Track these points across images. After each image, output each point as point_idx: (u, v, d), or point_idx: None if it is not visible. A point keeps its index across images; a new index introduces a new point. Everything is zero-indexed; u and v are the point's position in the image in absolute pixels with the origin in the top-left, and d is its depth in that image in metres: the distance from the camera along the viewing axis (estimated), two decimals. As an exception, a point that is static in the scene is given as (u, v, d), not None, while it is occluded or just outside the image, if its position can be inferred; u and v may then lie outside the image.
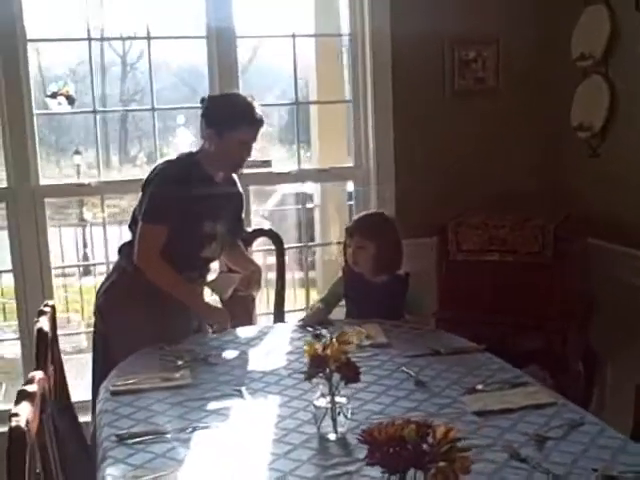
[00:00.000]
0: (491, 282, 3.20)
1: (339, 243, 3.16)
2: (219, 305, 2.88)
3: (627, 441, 1.78)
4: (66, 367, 2.56)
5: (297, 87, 3.60)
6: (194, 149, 2.82)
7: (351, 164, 3.70)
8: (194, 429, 1.93)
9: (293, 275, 5.76)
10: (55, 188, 3.42)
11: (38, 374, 1.59)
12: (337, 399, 1.87)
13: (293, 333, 2.76)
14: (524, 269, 3.14)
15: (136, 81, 13.94)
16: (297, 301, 4.97)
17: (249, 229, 3.21)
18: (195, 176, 2.71)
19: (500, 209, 3.39)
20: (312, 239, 4.74)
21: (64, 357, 2.60)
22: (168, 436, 1.89)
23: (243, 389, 2.19)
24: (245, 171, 3.49)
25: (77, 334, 6.02)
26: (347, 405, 1.89)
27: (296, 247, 4.33)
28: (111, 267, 2.96)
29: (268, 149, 11.26)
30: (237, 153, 2.73)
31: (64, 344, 3.25)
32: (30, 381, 1.54)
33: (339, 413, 1.87)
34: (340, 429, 1.87)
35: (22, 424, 1.40)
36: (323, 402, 1.87)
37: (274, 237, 3.24)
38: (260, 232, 3.28)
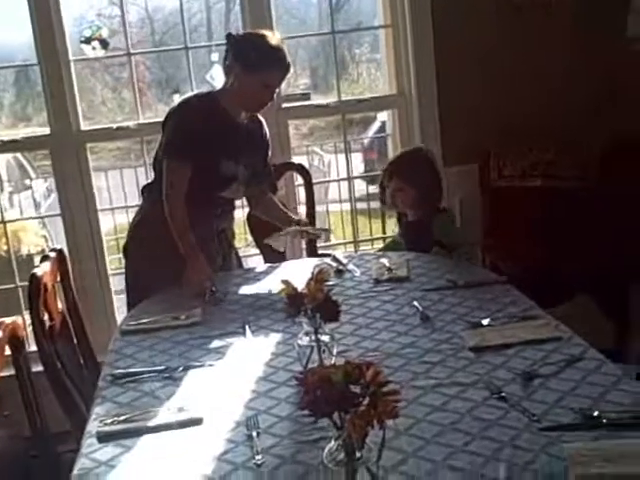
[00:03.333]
0: (534, 209, 3.04)
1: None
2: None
3: (621, 378, 1.66)
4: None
5: (333, 16, 3.46)
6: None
7: (394, 92, 3.56)
8: (187, 368, 1.95)
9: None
10: (95, 133, 3.47)
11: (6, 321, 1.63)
12: (321, 337, 1.83)
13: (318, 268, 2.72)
14: (569, 195, 2.95)
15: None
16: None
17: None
18: (214, 113, 2.66)
19: (546, 135, 3.18)
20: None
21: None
22: (160, 375, 1.92)
23: (247, 327, 2.19)
24: (283, 105, 3.47)
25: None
26: (331, 343, 1.84)
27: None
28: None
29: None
30: (259, 95, 2.67)
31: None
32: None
33: (323, 351, 1.83)
34: (326, 367, 1.83)
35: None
36: (306, 341, 1.84)
37: (302, 170, 3.18)
38: (287, 166, 3.23)
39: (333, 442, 1.30)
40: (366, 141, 8.84)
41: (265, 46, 2.63)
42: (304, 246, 3.29)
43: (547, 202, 3.03)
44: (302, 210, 3.33)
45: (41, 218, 5.40)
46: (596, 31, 3.31)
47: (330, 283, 2.44)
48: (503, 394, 1.63)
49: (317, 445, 1.47)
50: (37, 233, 5.38)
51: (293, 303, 1.79)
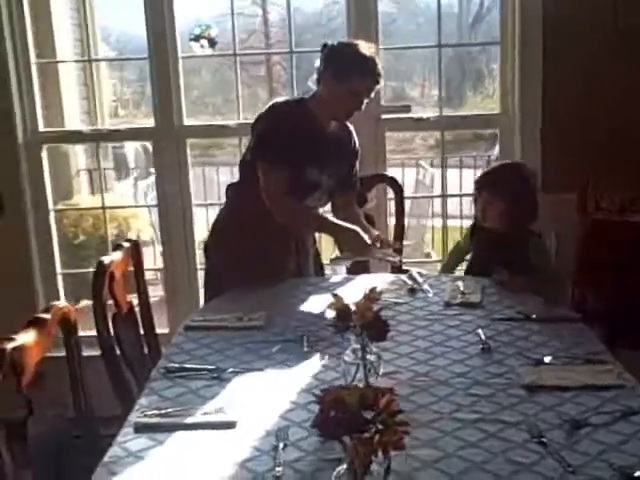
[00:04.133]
0: (630, 245, 2.88)
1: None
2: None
3: (678, 439, 1.54)
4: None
5: (440, 29, 3.40)
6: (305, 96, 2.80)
7: (497, 110, 3.46)
8: (236, 370, 1.96)
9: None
10: (197, 129, 3.56)
11: (59, 304, 1.70)
12: (368, 356, 1.80)
13: (391, 285, 2.68)
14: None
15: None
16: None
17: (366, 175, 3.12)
18: (303, 118, 2.67)
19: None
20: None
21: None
22: (209, 374, 1.95)
23: (305, 337, 2.18)
24: (383, 116, 3.44)
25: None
26: (377, 362, 1.81)
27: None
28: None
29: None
30: (346, 103, 2.66)
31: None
32: (46, 310, 1.65)
33: (369, 370, 1.80)
34: (372, 387, 1.80)
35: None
36: (352, 358, 1.81)
37: (393, 183, 3.14)
38: (379, 177, 3.19)
39: (342, 465, 1.28)
40: (485, 159, 8.69)
41: (355, 55, 2.62)
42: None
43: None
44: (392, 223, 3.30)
45: (137, 207, 5.57)
46: None
47: (400, 301, 2.49)
48: (544, 439, 1.55)
49: (338, 465, 1.44)
50: (147, 221, 5.57)
51: (341, 319, 1.77)
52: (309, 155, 2.68)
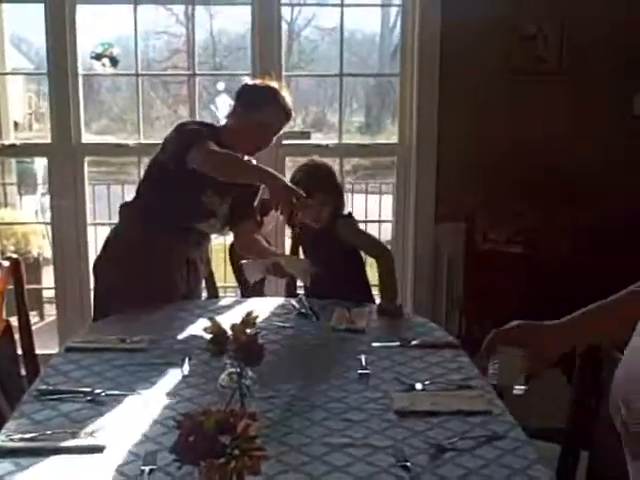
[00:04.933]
0: (515, 276, 2.98)
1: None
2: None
3: (535, 463, 1.60)
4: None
5: (342, 58, 3.47)
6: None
7: (395, 140, 3.55)
8: (112, 393, 1.93)
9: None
10: (95, 147, 3.52)
11: None
12: (243, 380, 1.80)
13: (281, 309, 2.70)
14: (549, 266, 2.89)
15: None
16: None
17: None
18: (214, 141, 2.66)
19: (539, 200, 3.13)
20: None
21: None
22: (84, 397, 1.91)
23: (187, 359, 2.16)
24: (283, 142, 3.48)
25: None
26: (254, 387, 1.81)
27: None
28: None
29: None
30: (254, 136, 2.70)
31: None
32: None
33: (244, 395, 1.80)
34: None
35: None
36: (226, 382, 1.81)
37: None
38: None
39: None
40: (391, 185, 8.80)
41: (266, 88, 2.71)
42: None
43: (529, 270, 2.97)
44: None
45: (29, 224, 5.43)
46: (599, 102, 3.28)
47: (287, 325, 2.51)
48: (408, 463, 1.58)
49: (202, 491, 1.43)
50: (45, 237, 5.44)
51: (216, 343, 1.77)
52: (214, 180, 2.63)
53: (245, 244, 2.94)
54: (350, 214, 2.93)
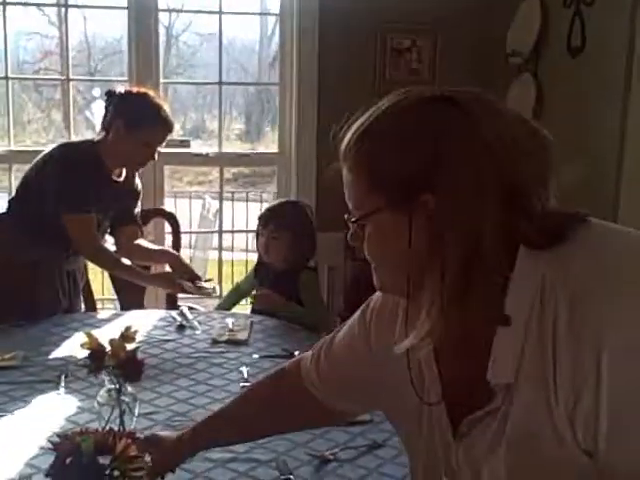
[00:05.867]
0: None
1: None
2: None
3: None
4: None
5: (221, 66, 3.46)
6: (96, 138, 2.72)
7: (275, 150, 3.56)
8: (-23, 415, 1.84)
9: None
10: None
11: None
12: (123, 397, 1.75)
13: (161, 321, 2.65)
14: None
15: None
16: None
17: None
18: (94, 168, 2.62)
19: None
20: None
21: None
22: (-51, 420, 1.81)
23: (62, 376, 2.09)
24: (162, 150, 3.41)
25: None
26: (133, 404, 1.77)
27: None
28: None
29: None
30: (139, 153, 2.64)
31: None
32: None
33: (124, 412, 1.75)
34: (128, 428, 1.76)
35: None
36: (105, 399, 1.76)
37: (170, 217, 3.13)
38: (155, 212, 3.18)
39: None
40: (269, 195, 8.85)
41: (145, 105, 2.62)
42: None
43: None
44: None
45: None
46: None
47: (167, 338, 2.47)
48: (291, 476, 1.59)
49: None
50: None
51: (94, 358, 1.72)
52: (97, 201, 2.65)
53: (128, 248, 2.89)
54: (315, 268, 2.92)
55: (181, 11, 5.79)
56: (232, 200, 6.38)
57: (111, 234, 2.89)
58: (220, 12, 3.45)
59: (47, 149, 2.71)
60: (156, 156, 2.69)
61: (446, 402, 1.09)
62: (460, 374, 1.05)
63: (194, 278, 2.81)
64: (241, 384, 2.07)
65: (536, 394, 0.94)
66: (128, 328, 1.76)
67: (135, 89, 2.75)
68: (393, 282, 1.06)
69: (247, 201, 6.62)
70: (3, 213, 2.71)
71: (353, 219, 1.05)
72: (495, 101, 1.02)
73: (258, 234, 2.94)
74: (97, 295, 3.21)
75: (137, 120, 2.60)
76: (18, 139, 8.36)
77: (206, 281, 2.85)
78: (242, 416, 1.46)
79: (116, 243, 2.93)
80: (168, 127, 2.65)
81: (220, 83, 3.48)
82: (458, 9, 3.38)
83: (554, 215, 0.98)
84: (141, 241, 2.93)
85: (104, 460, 1.22)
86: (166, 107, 2.66)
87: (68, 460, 1.21)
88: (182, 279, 2.75)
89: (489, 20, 3.36)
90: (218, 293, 2.91)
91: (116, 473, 1.18)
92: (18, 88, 9.76)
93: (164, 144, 2.71)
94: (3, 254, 2.60)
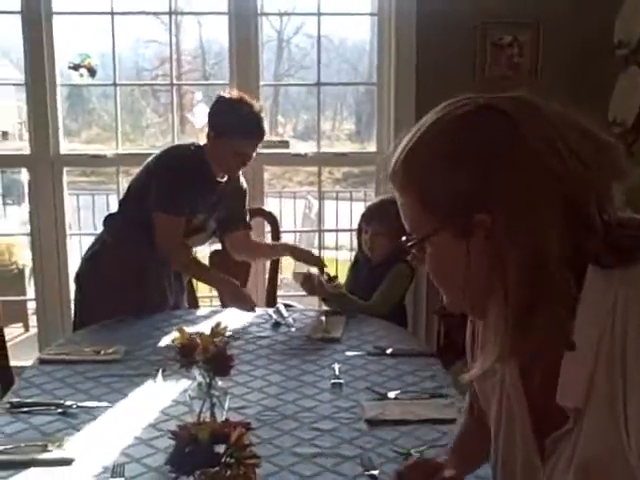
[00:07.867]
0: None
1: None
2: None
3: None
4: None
5: (320, 67, 3.49)
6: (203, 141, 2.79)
7: (374, 149, 3.56)
8: (83, 406, 1.93)
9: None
10: (74, 158, 3.52)
11: None
12: (213, 391, 1.80)
13: (257, 318, 2.70)
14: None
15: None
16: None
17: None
18: (199, 171, 2.69)
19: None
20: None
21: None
22: (56, 409, 1.91)
23: (160, 370, 2.16)
24: (261, 151, 3.47)
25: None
26: (223, 397, 1.81)
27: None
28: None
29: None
30: (231, 161, 2.69)
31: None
32: None
33: (214, 404, 1.80)
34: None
35: None
36: (196, 392, 1.81)
37: (269, 217, 3.18)
38: (255, 211, 3.23)
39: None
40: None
41: (240, 115, 2.61)
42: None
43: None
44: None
45: (9, 236, 5.39)
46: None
47: (262, 335, 2.51)
48: (375, 472, 1.59)
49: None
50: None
51: (185, 353, 1.77)
52: (202, 204, 2.73)
53: (239, 251, 2.97)
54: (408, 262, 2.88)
55: (284, 14, 5.87)
56: (336, 199, 6.42)
57: (221, 240, 2.97)
58: (319, 14, 3.48)
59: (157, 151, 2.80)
60: (249, 162, 2.72)
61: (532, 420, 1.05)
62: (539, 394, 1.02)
63: (317, 263, 2.88)
64: (332, 381, 2.09)
65: (605, 421, 0.90)
66: (218, 324, 1.82)
67: (228, 95, 2.74)
68: (457, 304, 1.04)
69: (351, 200, 6.64)
70: (115, 213, 2.83)
71: (410, 243, 1.03)
72: (538, 104, 0.97)
73: (361, 231, 2.98)
74: (201, 292, 3.31)
75: (225, 131, 2.62)
76: (137, 143, 8.71)
77: (330, 280, 2.85)
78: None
79: (227, 246, 2.99)
80: (256, 138, 2.65)
81: (319, 84, 3.51)
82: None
83: (625, 230, 0.92)
84: (255, 240, 3.01)
85: (219, 448, 1.26)
86: (258, 114, 2.63)
87: (187, 449, 1.25)
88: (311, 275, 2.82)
89: (595, 9, 3.24)
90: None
91: (231, 460, 1.23)
92: (138, 94, 10.20)
93: (255, 152, 2.72)
94: (115, 254, 2.72)
